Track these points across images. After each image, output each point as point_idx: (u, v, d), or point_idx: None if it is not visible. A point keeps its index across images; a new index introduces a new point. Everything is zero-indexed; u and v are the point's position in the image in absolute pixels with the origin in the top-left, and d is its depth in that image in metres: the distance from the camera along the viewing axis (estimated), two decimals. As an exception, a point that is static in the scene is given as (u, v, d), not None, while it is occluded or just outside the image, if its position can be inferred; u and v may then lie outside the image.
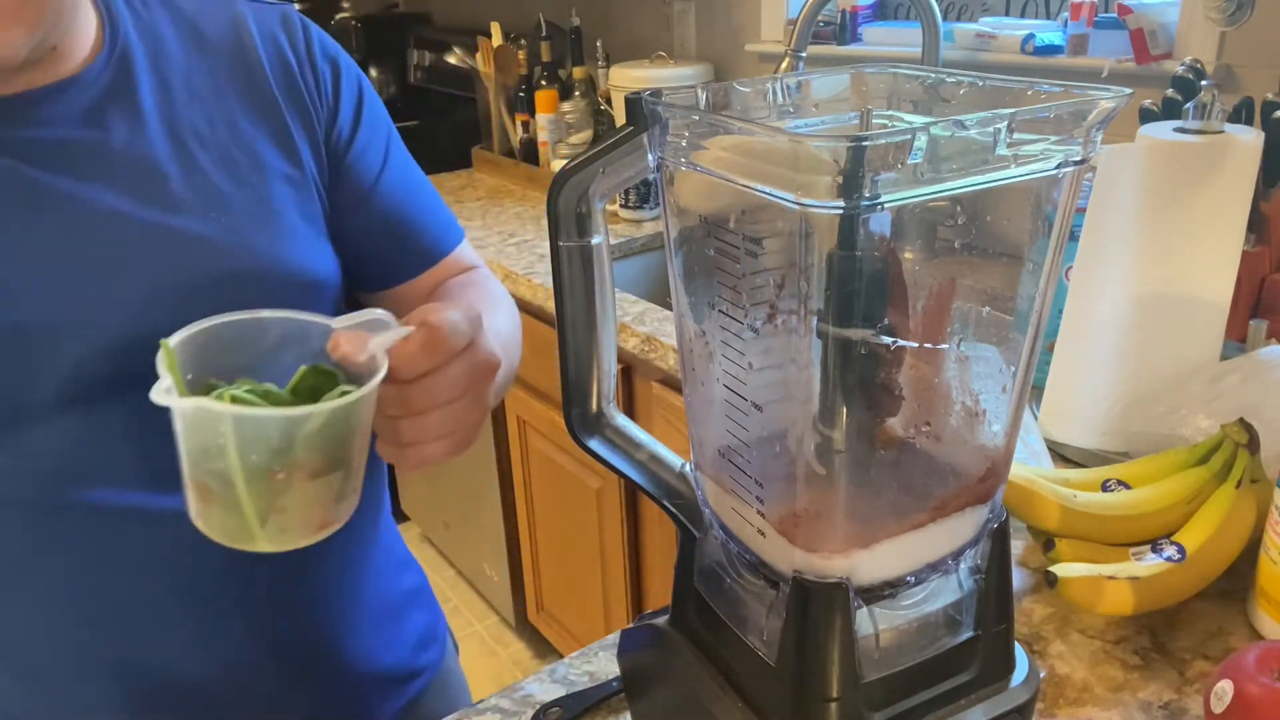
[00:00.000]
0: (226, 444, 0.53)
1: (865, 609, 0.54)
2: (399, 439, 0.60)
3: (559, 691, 0.76)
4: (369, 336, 0.56)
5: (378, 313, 0.59)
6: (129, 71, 0.72)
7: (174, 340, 0.55)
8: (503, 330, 0.80)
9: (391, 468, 0.87)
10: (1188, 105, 0.97)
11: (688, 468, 0.64)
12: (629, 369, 1.66)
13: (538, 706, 0.74)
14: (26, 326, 0.66)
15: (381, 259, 0.84)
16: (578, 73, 2.40)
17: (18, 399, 0.67)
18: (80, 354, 0.67)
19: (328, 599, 0.83)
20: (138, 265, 0.69)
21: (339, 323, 0.58)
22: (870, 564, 0.53)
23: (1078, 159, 0.50)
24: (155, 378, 0.63)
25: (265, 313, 0.58)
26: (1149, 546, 0.79)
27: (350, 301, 0.86)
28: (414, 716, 0.93)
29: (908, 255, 0.52)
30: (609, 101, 2.35)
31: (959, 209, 0.50)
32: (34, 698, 0.74)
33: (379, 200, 0.82)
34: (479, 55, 2.58)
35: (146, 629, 0.74)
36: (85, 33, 0.71)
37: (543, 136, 2.39)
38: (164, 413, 0.65)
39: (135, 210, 0.69)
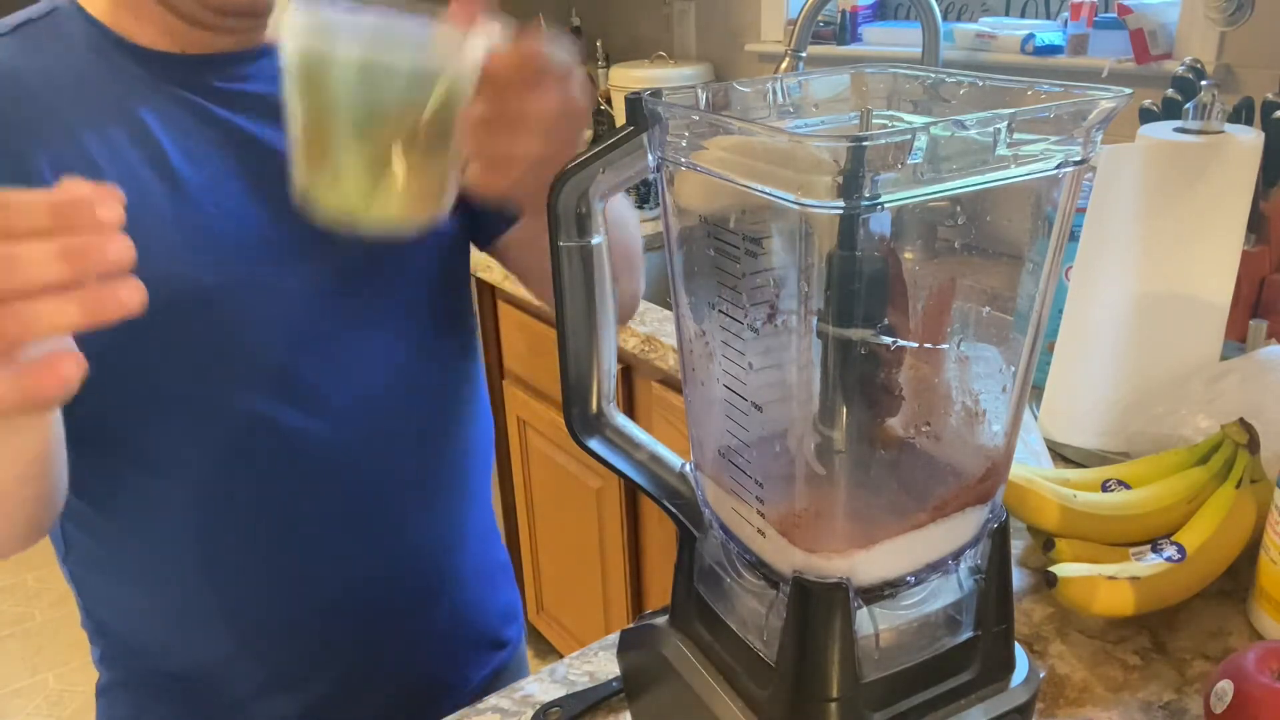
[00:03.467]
0: (344, 85, 0.56)
1: (865, 609, 0.54)
2: (490, 149, 0.64)
3: (559, 691, 0.76)
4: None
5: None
6: None
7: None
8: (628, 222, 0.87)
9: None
10: (1188, 105, 0.97)
11: (688, 468, 0.64)
12: (629, 369, 1.67)
13: (538, 706, 0.74)
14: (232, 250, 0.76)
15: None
16: (578, 73, 2.40)
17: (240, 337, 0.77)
18: (255, 282, 0.78)
19: (438, 547, 0.92)
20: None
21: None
22: (870, 564, 0.53)
23: (1078, 159, 0.50)
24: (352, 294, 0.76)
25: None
26: (1149, 546, 0.79)
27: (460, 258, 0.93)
28: (492, 690, 1.00)
29: (908, 255, 0.52)
30: (609, 101, 2.35)
31: (959, 209, 0.50)
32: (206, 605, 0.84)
33: None
34: (479, 55, 2.58)
35: (311, 542, 0.84)
36: None
37: (543, 136, 2.39)
38: (359, 346, 0.77)
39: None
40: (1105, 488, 0.87)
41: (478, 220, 0.89)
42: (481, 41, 0.59)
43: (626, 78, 2.24)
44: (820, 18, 1.91)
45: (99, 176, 0.73)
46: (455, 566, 0.94)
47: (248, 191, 0.77)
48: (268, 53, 0.80)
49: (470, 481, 0.95)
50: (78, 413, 0.78)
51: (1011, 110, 0.47)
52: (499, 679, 1.01)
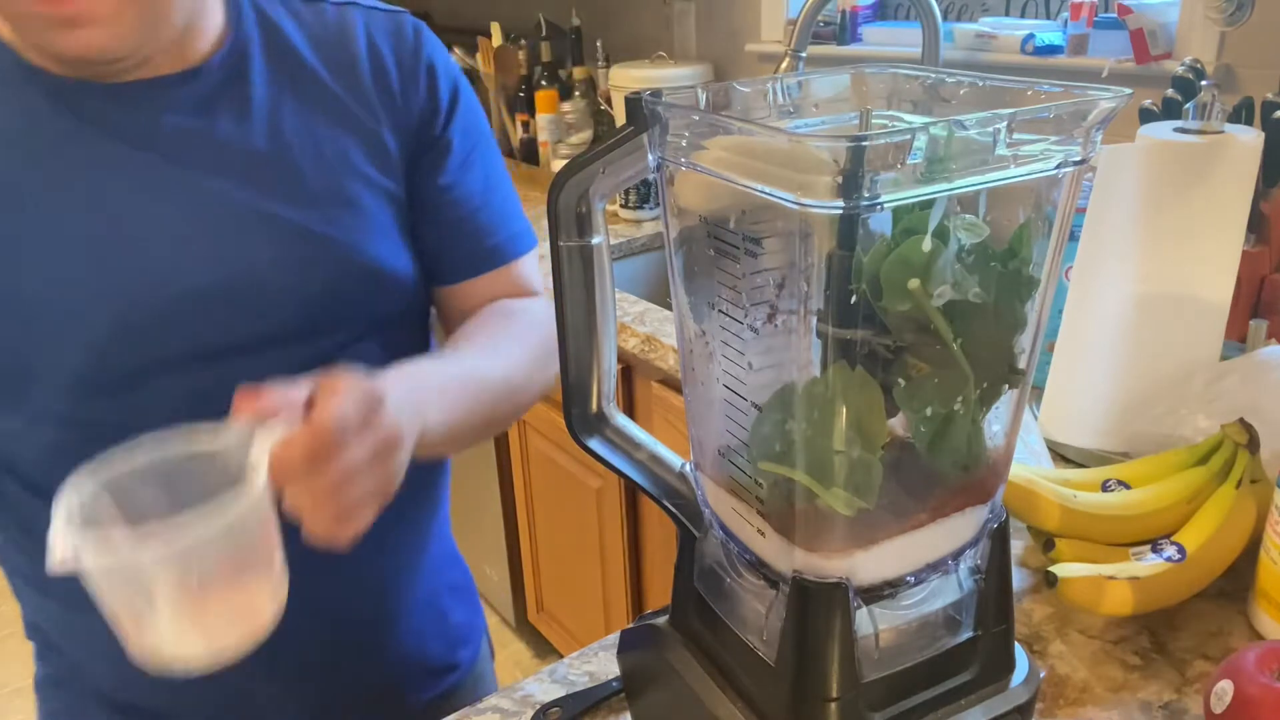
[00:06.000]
0: (141, 568, 0.53)
1: (865, 609, 0.54)
2: (327, 531, 0.61)
3: (559, 691, 0.76)
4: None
5: (262, 424, 0.58)
6: (245, 66, 0.77)
7: (64, 507, 0.53)
8: (484, 374, 0.79)
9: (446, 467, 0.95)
10: (1188, 105, 0.97)
11: (688, 468, 0.64)
12: (629, 369, 1.66)
13: (538, 706, 0.74)
14: (138, 292, 0.72)
15: (442, 255, 0.87)
16: (578, 73, 2.40)
17: (133, 359, 0.73)
18: (183, 322, 0.74)
19: (382, 579, 0.88)
20: (236, 244, 0.75)
21: (222, 431, 0.57)
22: (870, 564, 0.53)
23: (1077, 159, 0.50)
24: (243, 352, 0.72)
25: (148, 446, 0.57)
26: (1149, 546, 0.79)
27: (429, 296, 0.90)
28: (443, 710, 0.96)
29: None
30: (609, 101, 2.35)
31: (959, 209, 0.50)
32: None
33: (448, 201, 0.85)
34: (479, 55, 2.58)
35: None
36: (212, 26, 0.77)
37: (543, 136, 2.39)
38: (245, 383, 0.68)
39: (235, 194, 0.75)
40: (1105, 488, 0.87)
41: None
42: (266, 447, 0.56)
43: (626, 78, 2.24)
44: (820, 18, 1.91)
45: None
46: (399, 603, 0.90)
47: (167, 243, 0.73)
48: (190, 79, 0.74)
49: (420, 516, 0.91)
50: None
51: (1011, 110, 0.47)
52: (448, 701, 0.96)
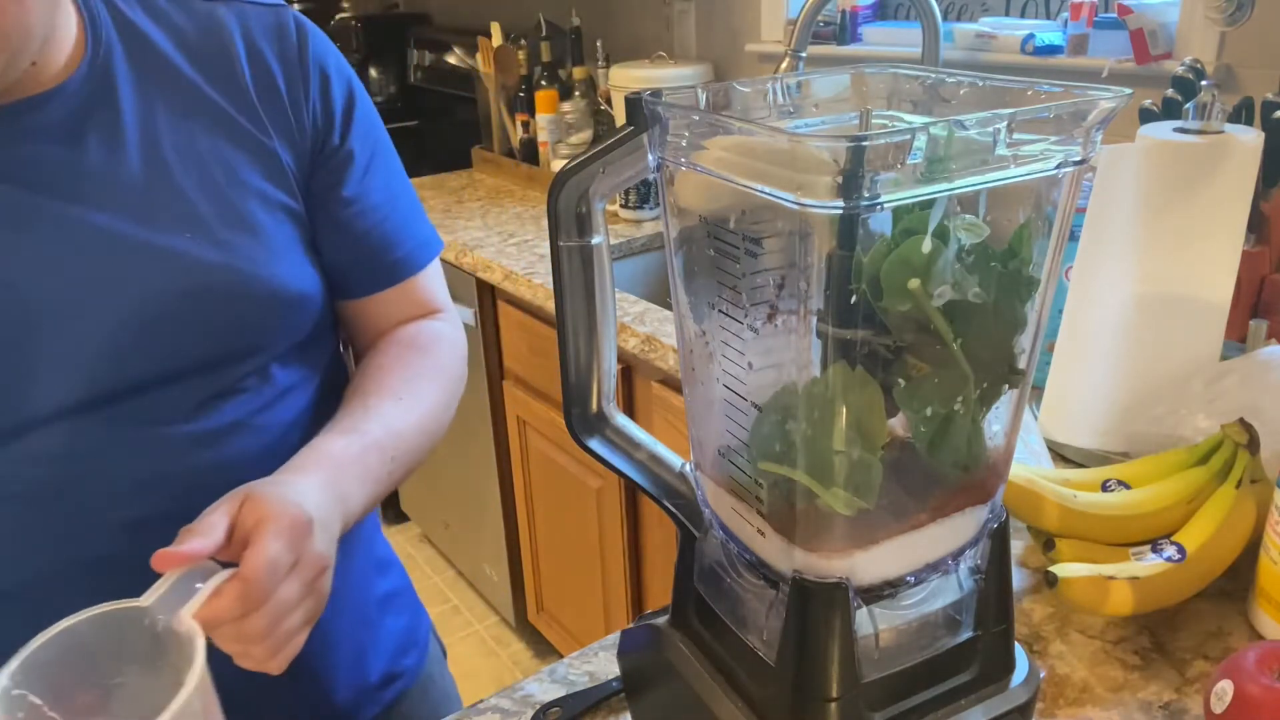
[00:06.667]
0: None
1: (865, 609, 0.54)
2: (259, 664, 0.61)
3: (559, 691, 0.76)
4: (184, 600, 0.56)
5: (188, 570, 0.57)
6: (110, 82, 0.71)
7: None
8: (401, 427, 0.77)
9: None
10: (1188, 105, 0.97)
11: (688, 468, 0.64)
12: (629, 369, 1.67)
13: (538, 706, 0.74)
14: (5, 341, 0.67)
15: (348, 271, 0.83)
16: (578, 73, 2.40)
17: (5, 413, 0.68)
18: (59, 370, 0.68)
19: None
20: (115, 280, 0.69)
21: (148, 597, 0.56)
22: (870, 564, 0.53)
23: (1077, 159, 0.50)
24: (138, 393, 0.65)
25: (73, 619, 0.55)
26: (1149, 546, 0.79)
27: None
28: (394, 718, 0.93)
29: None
30: (609, 101, 2.35)
31: (959, 209, 0.50)
32: None
33: (352, 215, 0.81)
34: (479, 55, 2.58)
35: None
36: (65, 40, 0.70)
37: (543, 136, 2.39)
38: (144, 426, 0.65)
39: (112, 226, 0.69)
40: (1105, 488, 0.87)
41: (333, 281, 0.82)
42: (194, 632, 0.54)
43: (626, 78, 2.24)
44: (820, 18, 1.91)
45: None
46: (324, 631, 0.82)
47: (32, 281, 0.67)
48: (46, 103, 0.68)
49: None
50: None
51: (1011, 110, 0.47)
52: (394, 713, 0.93)
